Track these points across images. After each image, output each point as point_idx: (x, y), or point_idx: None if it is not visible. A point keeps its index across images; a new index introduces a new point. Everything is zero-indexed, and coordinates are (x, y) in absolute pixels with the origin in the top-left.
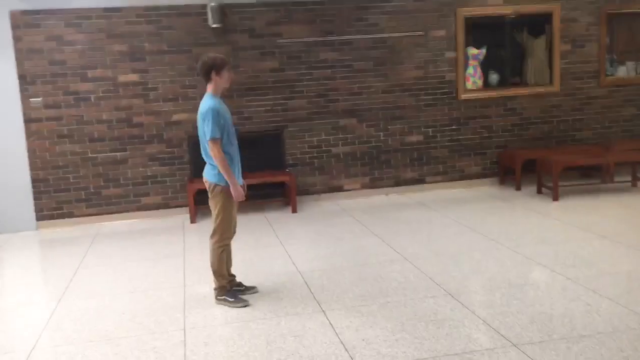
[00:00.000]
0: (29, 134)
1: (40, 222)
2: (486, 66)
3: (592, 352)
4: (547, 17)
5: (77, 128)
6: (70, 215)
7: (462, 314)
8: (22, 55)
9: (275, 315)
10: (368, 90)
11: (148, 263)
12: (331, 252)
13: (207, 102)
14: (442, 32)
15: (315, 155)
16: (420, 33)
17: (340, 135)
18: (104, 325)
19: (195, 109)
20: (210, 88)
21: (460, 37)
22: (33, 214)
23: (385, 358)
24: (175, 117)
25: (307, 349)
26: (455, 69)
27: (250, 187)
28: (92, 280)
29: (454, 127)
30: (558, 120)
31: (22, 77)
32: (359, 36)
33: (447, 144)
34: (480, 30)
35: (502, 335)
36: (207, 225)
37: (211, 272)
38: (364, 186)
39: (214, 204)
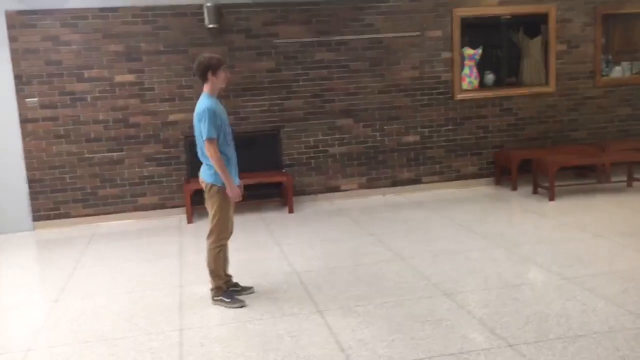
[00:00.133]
0: (25, 134)
1: (37, 223)
2: (482, 66)
3: (588, 351)
4: (542, 18)
5: (73, 128)
6: (67, 215)
7: (459, 314)
8: (18, 55)
9: (272, 315)
10: (364, 91)
11: (144, 263)
12: (328, 252)
13: (203, 102)
14: (438, 33)
15: (311, 155)
16: (417, 33)
17: (337, 136)
18: (100, 325)
19: (191, 110)
20: (206, 88)
21: (456, 38)
22: (30, 215)
23: (382, 358)
24: (172, 118)
25: (304, 349)
26: (452, 69)
27: (246, 188)
28: (88, 280)
29: (450, 127)
30: (554, 120)
31: (18, 78)
32: (355, 36)
33: (443, 144)
34: (476, 30)
35: (498, 335)
36: (203, 226)
37: (208, 273)
38: (361, 186)
39: (210, 205)
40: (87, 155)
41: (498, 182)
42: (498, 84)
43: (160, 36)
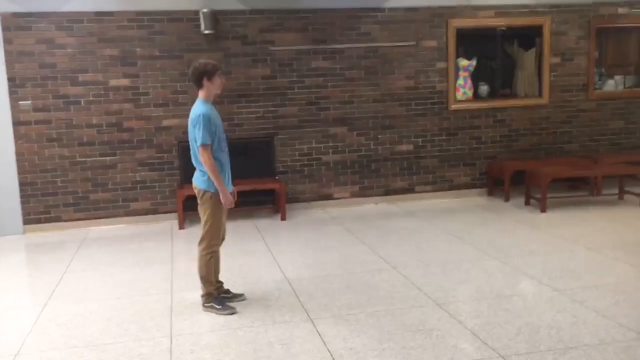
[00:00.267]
0: (18, 137)
1: (27, 226)
2: (476, 77)
3: None
4: (537, 30)
5: (66, 132)
6: (58, 219)
7: (450, 324)
8: (13, 57)
9: (263, 323)
10: (359, 99)
11: (135, 269)
12: (320, 260)
13: (198, 108)
14: (433, 43)
15: (305, 163)
16: (412, 43)
17: (331, 144)
18: (90, 330)
19: (185, 115)
20: (201, 94)
21: (451, 48)
22: (20, 218)
23: None
24: (166, 123)
25: (295, 357)
26: (446, 79)
27: (239, 194)
28: (78, 285)
29: (443, 137)
30: (547, 132)
31: (11, 80)
32: (350, 45)
33: (436, 154)
34: (471, 41)
35: (489, 346)
36: (195, 232)
37: (199, 279)
38: (354, 195)
39: (203, 211)
40: (79, 159)
41: (491, 193)
42: (492, 95)
43: (155, 41)
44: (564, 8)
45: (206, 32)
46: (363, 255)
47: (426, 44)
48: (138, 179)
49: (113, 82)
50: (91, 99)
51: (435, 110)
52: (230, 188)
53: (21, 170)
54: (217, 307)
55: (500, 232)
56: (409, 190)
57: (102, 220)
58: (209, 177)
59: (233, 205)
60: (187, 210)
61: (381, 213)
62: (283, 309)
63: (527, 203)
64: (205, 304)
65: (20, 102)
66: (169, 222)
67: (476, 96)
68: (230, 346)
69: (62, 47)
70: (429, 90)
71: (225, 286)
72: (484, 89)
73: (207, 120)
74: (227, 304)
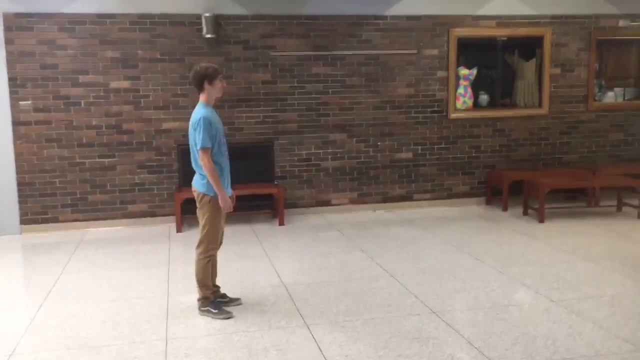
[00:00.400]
0: (17, 137)
1: (25, 226)
2: (477, 87)
3: None
4: (538, 41)
5: (66, 133)
6: (55, 220)
7: (446, 332)
8: (14, 57)
9: (259, 328)
10: (359, 106)
11: (132, 271)
12: (317, 266)
13: (199, 112)
14: (434, 51)
15: (304, 168)
16: (413, 51)
17: (330, 150)
18: (85, 332)
19: (185, 118)
20: (202, 98)
21: (452, 57)
22: (17, 218)
23: None
24: (165, 125)
25: None
26: (446, 88)
27: (238, 198)
28: (74, 286)
29: (443, 145)
30: (546, 142)
31: (12, 80)
32: (351, 52)
33: (435, 162)
34: (472, 51)
35: (485, 356)
36: (192, 235)
37: (195, 282)
38: (352, 201)
39: (201, 214)
40: (78, 160)
41: (489, 202)
42: (492, 104)
43: (157, 44)
44: (565, 19)
45: (208, 36)
46: (360, 262)
47: (427, 52)
48: (137, 181)
49: (114, 84)
50: (91, 100)
51: (435, 119)
52: (230, 192)
53: (20, 170)
54: (213, 311)
55: (497, 241)
56: (407, 197)
57: (100, 221)
58: (208, 181)
59: (232, 210)
60: (185, 213)
61: (379, 220)
62: (279, 315)
63: (525, 213)
64: (202, 308)
65: (20, 102)
66: (167, 225)
67: (476, 105)
68: (225, 351)
69: (64, 48)
70: (429, 99)
71: (222, 290)
72: (484, 98)
73: (207, 124)
74: (224, 308)
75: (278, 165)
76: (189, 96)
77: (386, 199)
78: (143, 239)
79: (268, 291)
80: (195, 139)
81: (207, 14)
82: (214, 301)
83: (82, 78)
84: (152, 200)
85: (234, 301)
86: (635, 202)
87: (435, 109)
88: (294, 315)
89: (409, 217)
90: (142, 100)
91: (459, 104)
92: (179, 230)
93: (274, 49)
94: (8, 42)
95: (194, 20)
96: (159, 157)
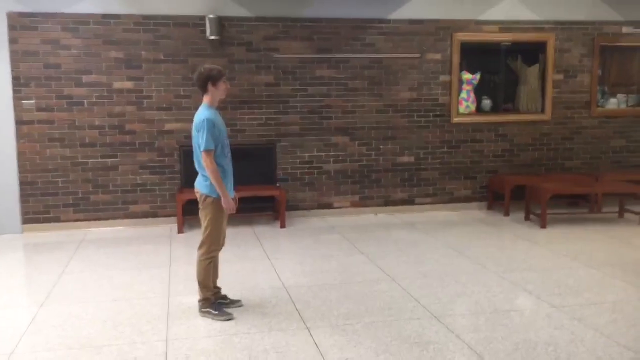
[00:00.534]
0: (20, 136)
1: (26, 226)
2: (479, 91)
3: None
4: (541, 46)
5: (68, 132)
6: (57, 219)
7: (447, 337)
8: (18, 57)
9: (259, 330)
10: (361, 109)
11: (133, 271)
12: (318, 268)
13: (202, 113)
14: (437, 56)
15: (306, 171)
16: (416, 55)
17: (332, 153)
18: (85, 332)
19: (188, 119)
20: (206, 99)
21: (455, 61)
22: (19, 217)
23: None
24: (168, 126)
25: None
26: (449, 92)
27: (239, 200)
28: (75, 286)
29: (445, 149)
30: (548, 148)
31: (16, 79)
32: (354, 55)
33: (437, 166)
34: (475, 55)
35: None
36: (194, 236)
37: (196, 284)
38: (353, 204)
39: (204, 215)
40: (80, 160)
41: (490, 207)
42: (494, 109)
43: (160, 45)
44: (568, 25)
45: (211, 37)
46: (361, 265)
47: (430, 56)
48: (139, 181)
49: (117, 85)
50: (94, 100)
51: (437, 123)
52: (232, 194)
53: (22, 170)
54: (214, 312)
55: (499, 246)
56: (409, 201)
57: (101, 222)
58: (211, 182)
59: (234, 211)
60: (187, 214)
61: (380, 223)
62: (280, 317)
63: (527, 218)
64: (202, 309)
65: (23, 102)
66: (168, 226)
67: (479, 110)
68: (225, 352)
69: (67, 48)
70: (431, 103)
71: (223, 292)
72: (486, 103)
73: (211, 125)
74: (224, 309)
75: (280, 167)
76: (191, 97)
77: (388, 202)
78: (144, 240)
79: (269, 293)
80: (199, 140)
81: (210, 16)
82: (215, 302)
83: (85, 78)
84: (154, 200)
85: (235, 303)
86: (637, 208)
87: (438, 113)
88: (295, 318)
89: (410, 220)
90: (145, 100)
91: (462, 109)
92: (180, 231)
93: (277, 51)
94: (12, 41)
95: (197, 22)
96: (161, 158)
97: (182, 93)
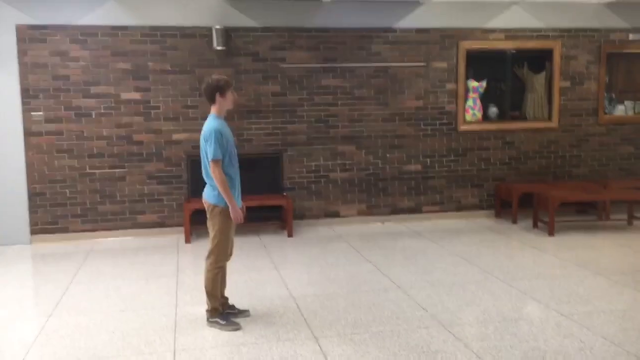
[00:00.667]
0: (29, 147)
1: (34, 236)
2: (486, 99)
3: None
4: (547, 54)
5: (76, 143)
6: (65, 230)
7: (455, 346)
8: (26, 69)
9: (267, 340)
10: (368, 118)
11: (141, 282)
12: (325, 278)
13: (210, 123)
14: (443, 64)
15: (313, 180)
16: (422, 64)
17: (339, 161)
18: (93, 343)
19: (195, 129)
20: (214, 109)
21: (462, 70)
22: (27, 228)
23: None
24: (175, 137)
25: None
26: (456, 100)
27: (247, 210)
28: (83, 297)
29: (452, 158)
30: (556, 155)
31: (25, 91)
32: (361, 64)
33: (444, 174)
34: (481, 63)
35: None
36: (201, 246)
37: (204, 294)
38: (361, 213)
39: (212, 225)
40: (88, 171)
41: (498, 215)
42: (501, 117)
43: (168, 56)
44: (574, 33)
45: (218, 48)
46: (369, 274)
47: (436, 64)
48: (146, 191)
49: (124, 96)
50: (102, 111)
51: (444, 131)
52: (240, 203)
53: (31, 181)
54: (222, 322)
55: (507, 254)
56: (416, 210)
57: (109, 232)
58: (219, 192)
59: (242, 221)
60: (194, 224)
61: (388, 232)
62: (287, 327)
63: (535, 226)
64: (210, 319)
65: (32, 113)
66: (176, 236)
67: (485, 118)
68: None
69: (76, 60)
70: (438, 111)
71: (231, 302)
72: (493, 110)
73: (219, 136)
74: (232, 319)
75: (287, 176)
76: (198, 108)
77: (395, 210)
78: (152, 250)
79: (276, 303)
80: (207, 150)
81: (217, 27)
82: (223, 312)
83: (93, 89)
84: (162, 210)
85: (243, 313)
86: None
87: (444, 121)
88: (302, 328)
89: (417, 229)
90: (152, 111)
91: (468, 117)
92: (187, 240)
93: (283, 61)
94: (21, 53)
95: (204, 33)
96: (168, 168)
97: (189, 103)
